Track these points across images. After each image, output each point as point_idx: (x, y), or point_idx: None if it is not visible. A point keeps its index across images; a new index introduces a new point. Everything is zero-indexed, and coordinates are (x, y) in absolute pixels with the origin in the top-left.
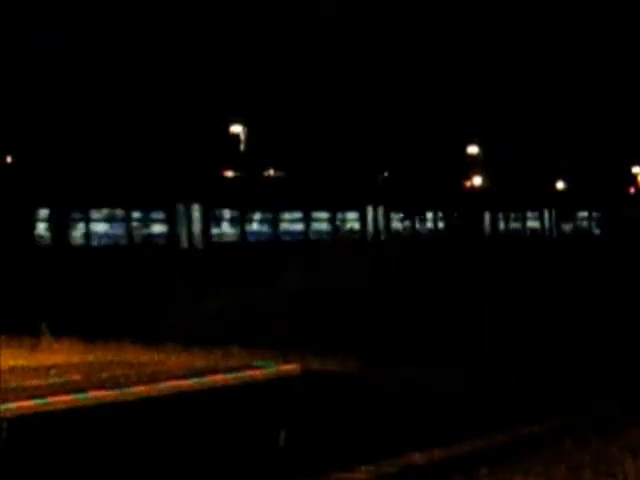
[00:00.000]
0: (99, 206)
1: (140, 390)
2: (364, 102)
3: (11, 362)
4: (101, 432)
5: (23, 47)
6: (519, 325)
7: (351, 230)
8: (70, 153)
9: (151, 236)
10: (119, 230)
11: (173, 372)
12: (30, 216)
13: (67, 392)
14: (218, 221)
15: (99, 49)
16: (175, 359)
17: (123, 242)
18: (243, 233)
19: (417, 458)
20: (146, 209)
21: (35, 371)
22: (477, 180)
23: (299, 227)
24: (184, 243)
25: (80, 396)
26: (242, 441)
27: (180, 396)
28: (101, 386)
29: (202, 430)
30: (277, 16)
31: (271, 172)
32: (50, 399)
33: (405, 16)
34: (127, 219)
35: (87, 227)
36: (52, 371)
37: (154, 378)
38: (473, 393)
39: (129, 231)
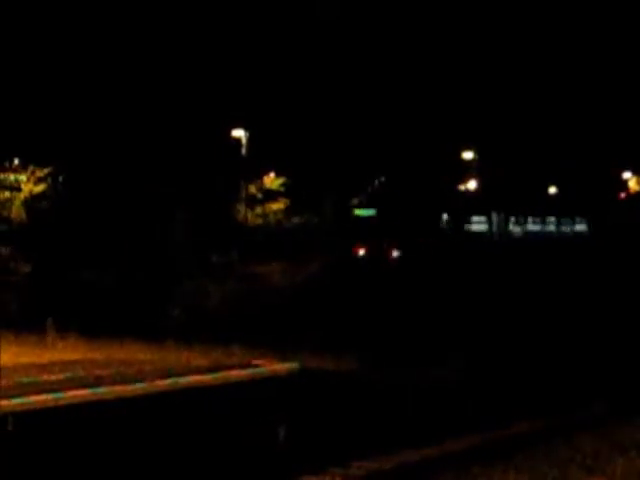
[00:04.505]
0: None
1: (141, 387)
2: (364, 107)
3: (17, 359)
4: (100, 428)
5: (23, 47)
6: (518, 325)
7: None
8: (72, 157)
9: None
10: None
11: (172, 370)
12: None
13: (71, 388)
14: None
15: (103, 53)
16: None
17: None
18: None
19: (410, 455)
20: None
21: (38, 368)
22: (471, 184)
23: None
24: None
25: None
26: (241, 438)
27: (179, 394)
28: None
29: (201, 426)
30: (278, 21)
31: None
32: (55, 395)
33: (403, 24)
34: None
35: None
36: (55, 368)
37: (155, 375)
38: (469, 392)
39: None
